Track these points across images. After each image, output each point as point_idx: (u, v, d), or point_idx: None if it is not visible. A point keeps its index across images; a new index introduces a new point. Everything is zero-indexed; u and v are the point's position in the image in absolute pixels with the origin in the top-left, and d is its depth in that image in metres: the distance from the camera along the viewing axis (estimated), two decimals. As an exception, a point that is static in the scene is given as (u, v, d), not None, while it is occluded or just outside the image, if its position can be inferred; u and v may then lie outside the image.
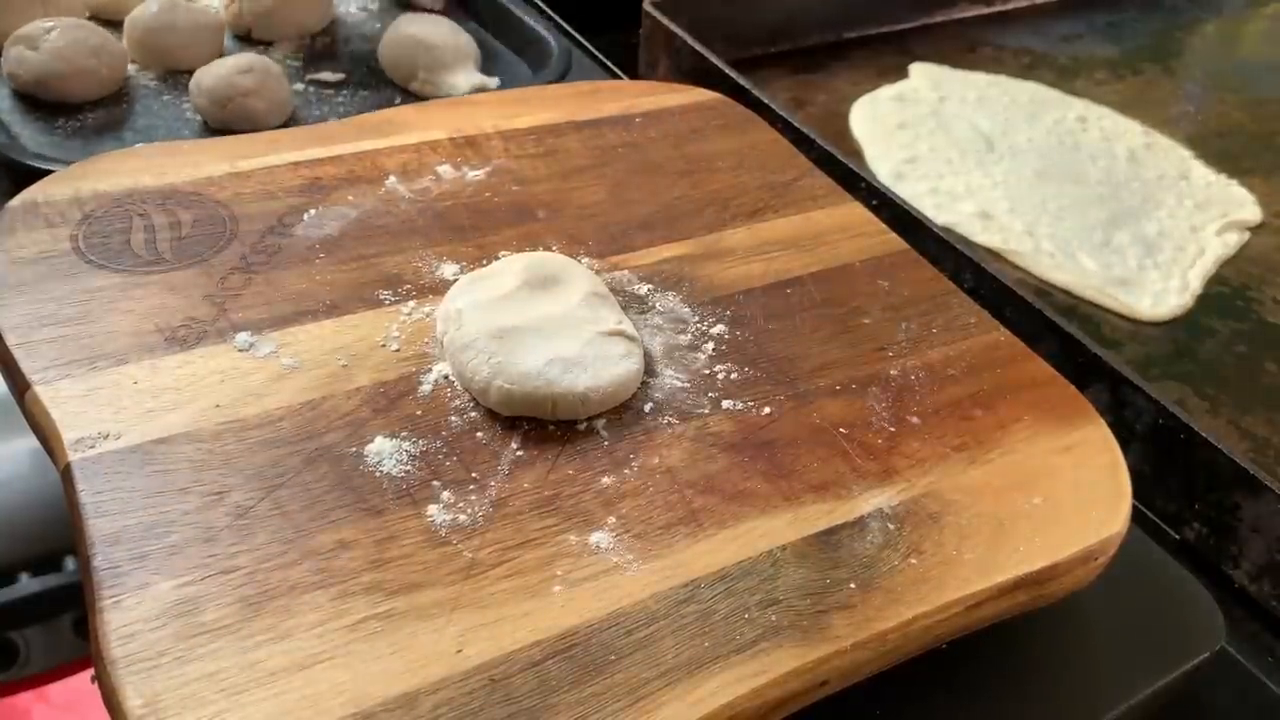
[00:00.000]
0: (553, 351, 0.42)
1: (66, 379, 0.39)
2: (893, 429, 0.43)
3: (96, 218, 0.46)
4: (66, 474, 0.36)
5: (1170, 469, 0.54)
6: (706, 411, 0.43)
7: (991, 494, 0.41)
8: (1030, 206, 0.80)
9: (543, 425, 0.41)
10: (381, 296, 0.45)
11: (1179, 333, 0.71)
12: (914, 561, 0.38)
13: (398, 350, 0.43)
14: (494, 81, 0.73)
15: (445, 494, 0.38)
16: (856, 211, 0.56)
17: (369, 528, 0.36)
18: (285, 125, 0.66)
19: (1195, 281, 0.75)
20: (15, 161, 0.57)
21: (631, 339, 0.44)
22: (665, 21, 0.81)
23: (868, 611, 0.36)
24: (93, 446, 0.37)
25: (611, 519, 0.38)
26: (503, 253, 0.48)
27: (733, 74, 0.75)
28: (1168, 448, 0.54)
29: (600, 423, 0.41)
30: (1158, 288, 0.73)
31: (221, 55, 0.70)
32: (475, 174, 0.53)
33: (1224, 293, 0.75)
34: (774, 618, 0.35)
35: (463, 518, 0.37)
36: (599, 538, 0.37)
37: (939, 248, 0.64)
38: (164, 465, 0.37)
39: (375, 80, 0.73)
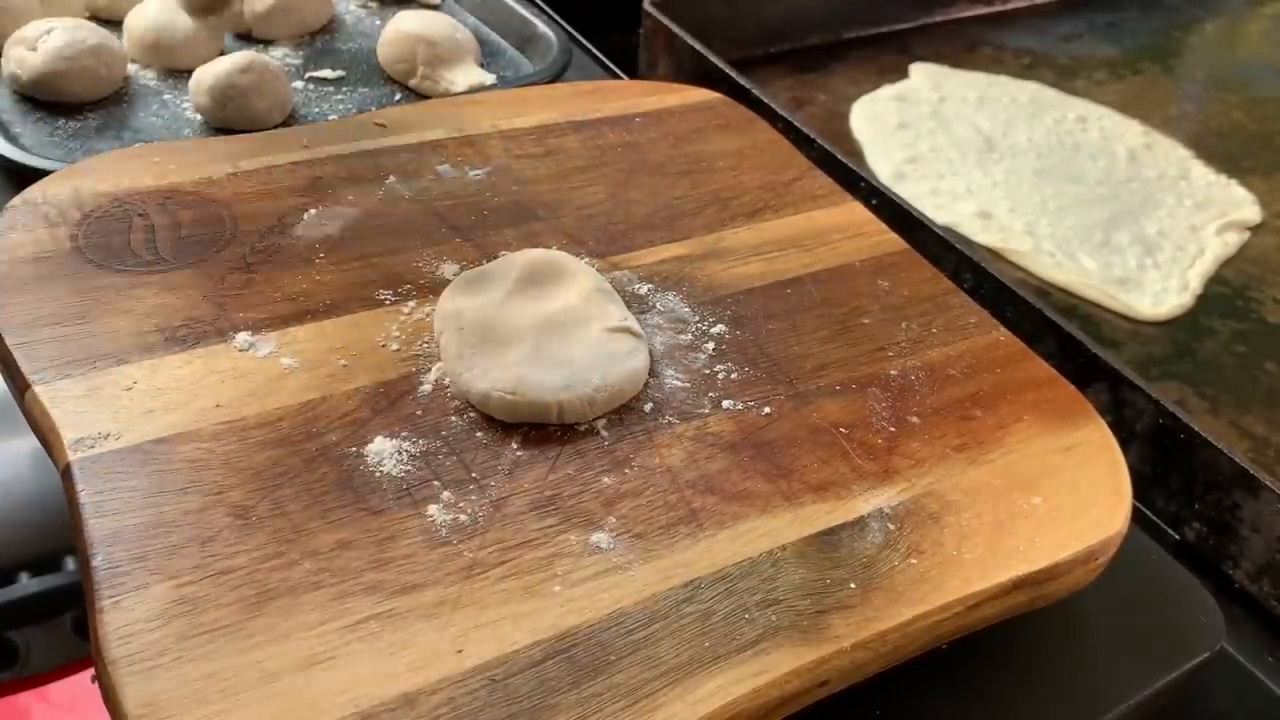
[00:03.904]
0: (556, 355, 0.42)
1: (66, 379, 0.39)
2: (893, 429, 0.43)
3: (96, 217, 0.46)
4: (66, 474, 0.36)
5: (1170, 469, 0.54)
6: (707, 411, 0.43)
7: (991, 494, 0.41)
8: (1030, 206, 0.80)
9: (543, 425, 0.41)
10: (381, 296, 0.45)
11: (1179, 333, 0.71)
12: (914, 561, 0.38)
13: (398, 350, 0.43)
14: (493, 77, 0.72)
15: (445, 494, 0.38)
16: (856, 211, 0.56)
17: (369, 528, 0.36)
18: (285, 123, 0.66)
19: (1195, 281, 0.75)
20: (15, 162, 0.57)
21: (637, 335, 0.44)
22: (665, 21, 0.81)
23: (868, 611, 0.36)
24: (93, 446, 0.37)
25: (612, 519, 0.38)
26: (502, 252, 0.48)
27: (733, 74, 0.75)
28: (1168, 448, 0.54)
29: (601, 423, 0.41)
30: (1158, 287, 0.73)
31: (221, 54, 0.70)
32: (475, 174, 0.53)
33: (1224, 293, 0.75)
34: (774, 618, 0.35)
35: (463, 518, 0.37)
36: (599, 538, 0.37)
37: (939, 247, 0.64)
38: (164, 465, 0.37)
39: (375, 77, 0.73)
